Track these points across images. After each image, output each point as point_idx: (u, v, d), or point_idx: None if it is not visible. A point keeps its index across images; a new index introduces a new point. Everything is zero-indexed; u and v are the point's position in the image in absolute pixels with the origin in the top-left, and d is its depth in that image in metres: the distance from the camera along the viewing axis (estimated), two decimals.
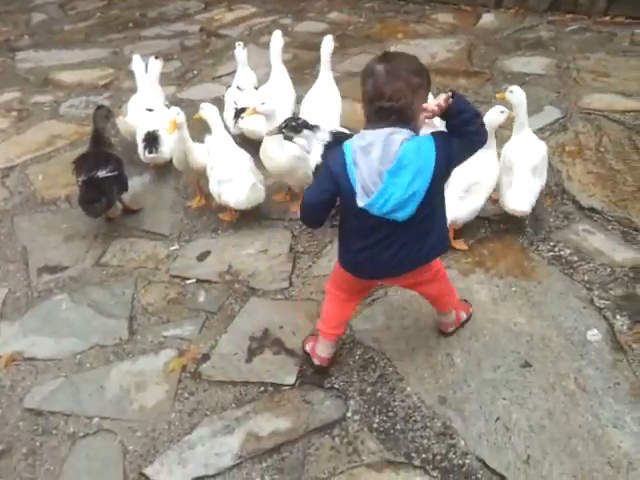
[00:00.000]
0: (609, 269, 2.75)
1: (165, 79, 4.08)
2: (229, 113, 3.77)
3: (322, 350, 2.36)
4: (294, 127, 2.87)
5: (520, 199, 2.85)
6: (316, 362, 2.38)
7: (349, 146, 1.94)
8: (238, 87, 3.85)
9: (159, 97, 3.86)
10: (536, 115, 4.10)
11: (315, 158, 2.86)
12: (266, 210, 3.32)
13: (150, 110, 3.67)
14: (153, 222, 3.33)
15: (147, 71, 3.87)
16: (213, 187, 3.14)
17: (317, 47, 4.38)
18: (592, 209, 3.13)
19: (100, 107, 3.42)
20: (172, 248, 3.12)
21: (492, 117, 2.81)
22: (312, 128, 2.88)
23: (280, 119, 2.98)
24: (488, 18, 6.04)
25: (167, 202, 3.49)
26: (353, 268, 2.18)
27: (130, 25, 6.60)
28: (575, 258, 2.83)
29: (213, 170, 3.14)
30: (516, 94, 2.94)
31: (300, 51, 5.30)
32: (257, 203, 3.21)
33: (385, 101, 1.85)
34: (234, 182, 3.06)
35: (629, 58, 4.95)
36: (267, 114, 3.02)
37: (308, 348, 2.44)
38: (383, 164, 1.87)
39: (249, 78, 3.95)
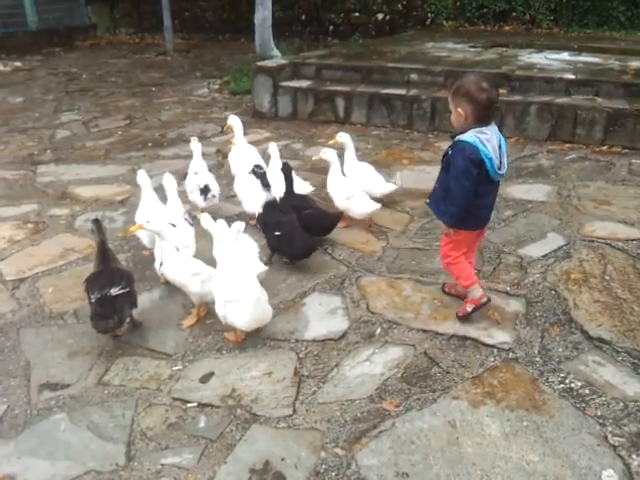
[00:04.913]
0: (622, 404, 2.69)
1: (180, 197, 4.21)
2: (195, 194, 4.66)
3: (477, 293, 3.22)
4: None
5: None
6: (484, 300, 3.21)
7: (474, 140, 2.91)
8: (195, 172, 4.72)
9: (179, 211, 4.01)
10: (540, 242, 4.19)
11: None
12: (272, 330, 3.32)
13: (173, 225, 3.76)
14: (158, 340, 3.31)
15: (168, 187, 4.08)
16: (219, 308, 3.16)
17: (325, 171, 4.60)
18: (601, 339, 3.11)
19: (96, 220, 3.48)
20: (175, 368, 3.07)
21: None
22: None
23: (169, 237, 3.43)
24: None
25: (173, 319, 3.49)
26: (477, 224, 3.23)
27: (149, 144, 6.94)
28: (586, 391, 2.77)
29: (218, 291, 3.17)
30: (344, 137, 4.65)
31: (309, 174, 5.51)
32: (264, 324, 3.23)
33: (495, 108, 3.00)
34: (240, 303, 3.06)
35: (627, 187, 5.14)
36: (157, 232, 3.38)
37: (470, 308, 3.23)
38: (498, 145, 2.99)
39: (203, 165, 4.85)
